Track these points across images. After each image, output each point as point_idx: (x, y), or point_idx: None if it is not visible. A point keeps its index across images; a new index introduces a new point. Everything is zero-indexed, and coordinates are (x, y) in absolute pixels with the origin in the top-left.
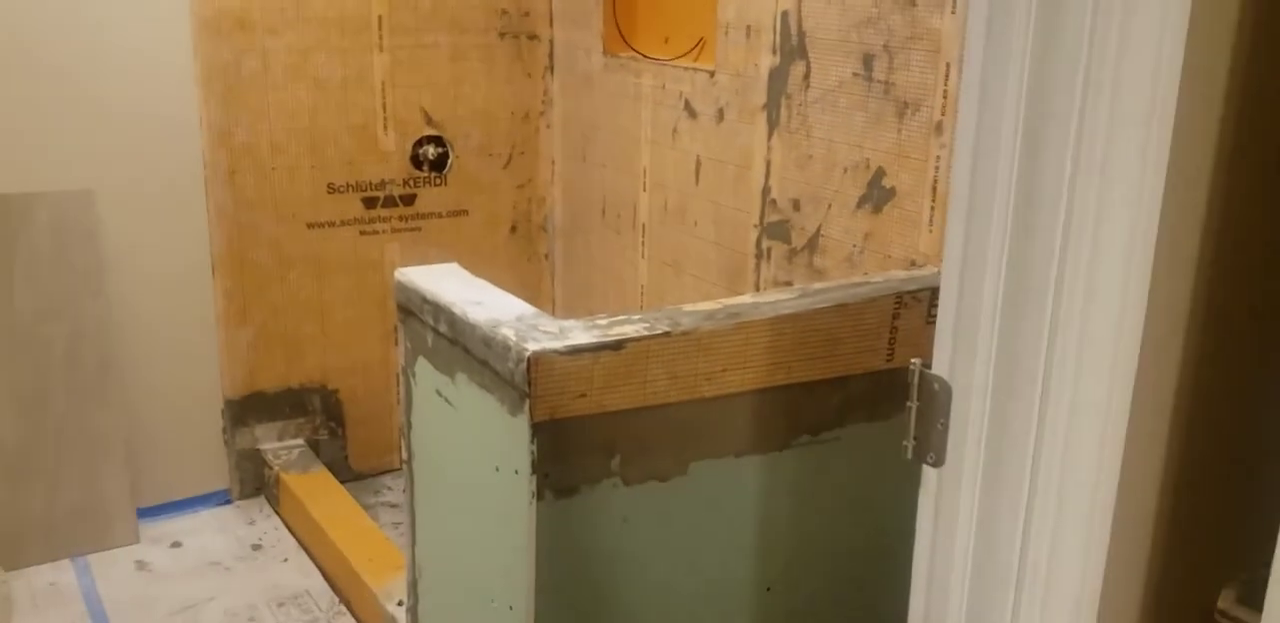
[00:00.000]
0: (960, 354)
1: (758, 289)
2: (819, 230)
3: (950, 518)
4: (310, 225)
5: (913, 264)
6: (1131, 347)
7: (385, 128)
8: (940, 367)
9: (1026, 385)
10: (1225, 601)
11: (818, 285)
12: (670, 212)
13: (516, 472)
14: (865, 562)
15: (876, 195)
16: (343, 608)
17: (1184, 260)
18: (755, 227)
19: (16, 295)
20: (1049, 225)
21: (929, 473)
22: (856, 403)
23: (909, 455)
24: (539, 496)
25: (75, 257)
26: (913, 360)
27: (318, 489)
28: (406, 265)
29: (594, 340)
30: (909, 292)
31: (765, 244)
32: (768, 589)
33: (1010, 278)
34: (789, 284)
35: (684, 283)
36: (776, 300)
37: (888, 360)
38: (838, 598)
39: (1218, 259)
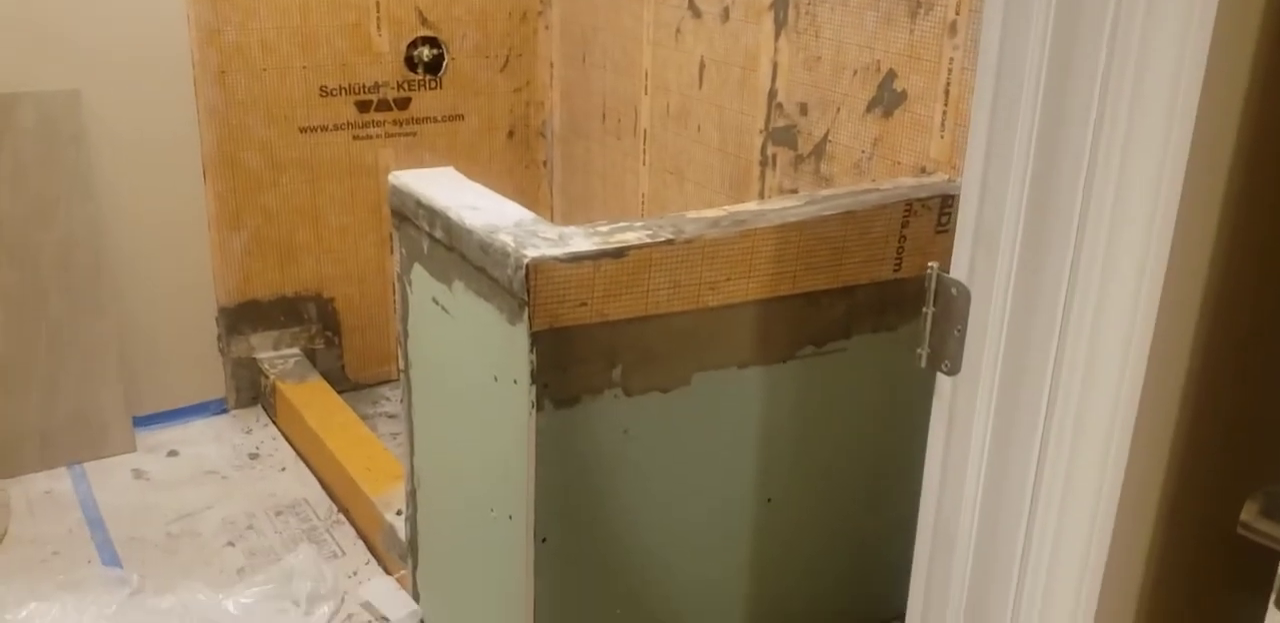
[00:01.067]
0: (981, 257)
1: (762, 197)
2: (826, 136)
3: (964, 427)
4: (303, 129)
5: (923, 171)
6: (1161, 249)
7: (379, 27)
8: (959, 271)
9: (1050, 289)
10: (1249, 513)
11: (825, 192)
12: (673, 116)
13: (516, 382)
14: (867, 474)
15: (887, 99)
16: (341, 517)
17: (1219, 161)
18: (761, 132)
19: (4, 200)
20: (1080, 119)
21: (943, 381)
22: (862, 314)
23: (922, 363)
24: (538, 406)
25: (63, 159)
26: (930, 264)
27: (315, 399)
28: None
29: (595, 248)
30: (919, 199)
31: (771, 150)
32: (768, 501)
33: (1036, 176)
34: (795, 192)
35: (686, 191)
36: (783, 208)
37: (895, 270)
38: (839, 510)
39: (1255, 156)
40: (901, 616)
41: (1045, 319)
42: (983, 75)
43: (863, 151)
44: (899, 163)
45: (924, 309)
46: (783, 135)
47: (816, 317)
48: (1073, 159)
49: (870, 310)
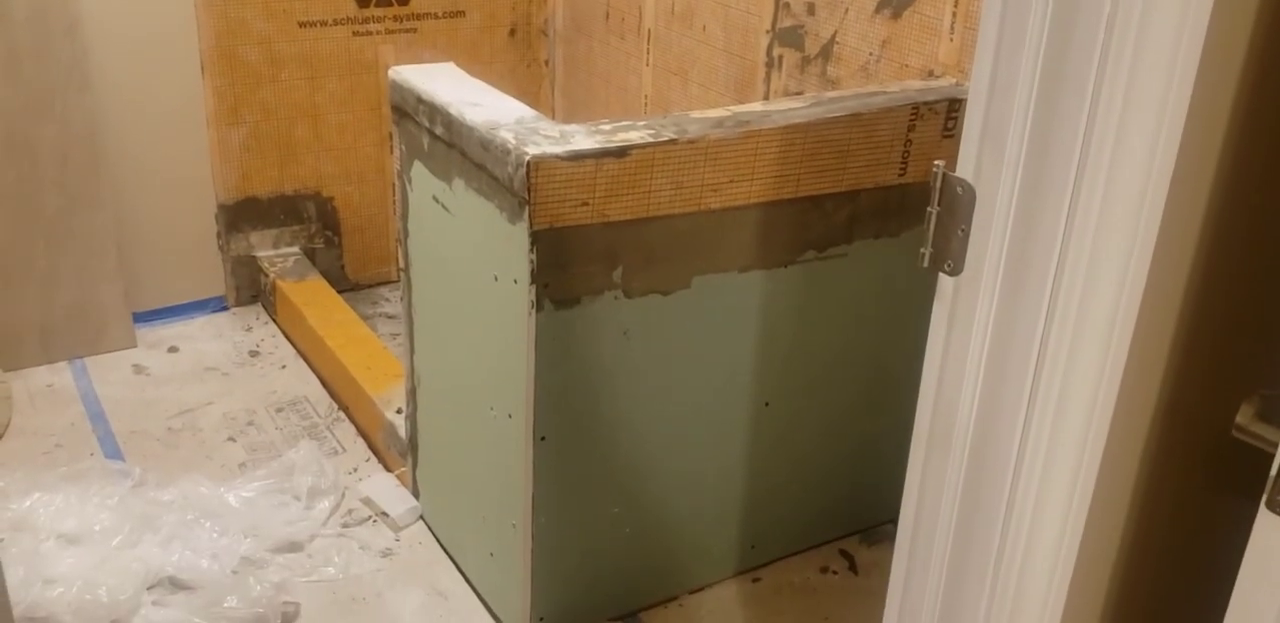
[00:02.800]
0: (988, 156)
1: (767, 100)
2: (834, 37)
3: (965, 328)
4: (302, 24)
5: (930, 74)
6: (1170, 144)
7: None
8: (965, 170)
9: (1056, 186)
10: (1244, 416)
11: (831, 94)
12: (677, 15)
13: (515, 281)
14: (865, 379)
15: None
16: (341, 415)
17: (1235, 50)
18: (767, 32)
19: (1, 93)
20: (1093, 12)
21: (945, 282)
22: (865, 219)
23: (925, 264)
24: (538, 306)
25: (58, 51)
26: (936, 163)
27: (315, 298)
28: None
29: (597, 146)
30: (926, 103)
31: (777, 51)
32: (766, 405)
33: (1046, 73)
34: (800, 94)
35: (690, 93)
36: (788, 109)
37: (900, 175)
38: (836, 415)
39: (1270, 48)
40: (896, 519)
41: (1050, 218)
42: None
43: (870, 54)
44: (907, 65)
45: (928, 208)
46: (789, 36)
47: (819, 221)
48: (1083, 54)
49: (873, 216)
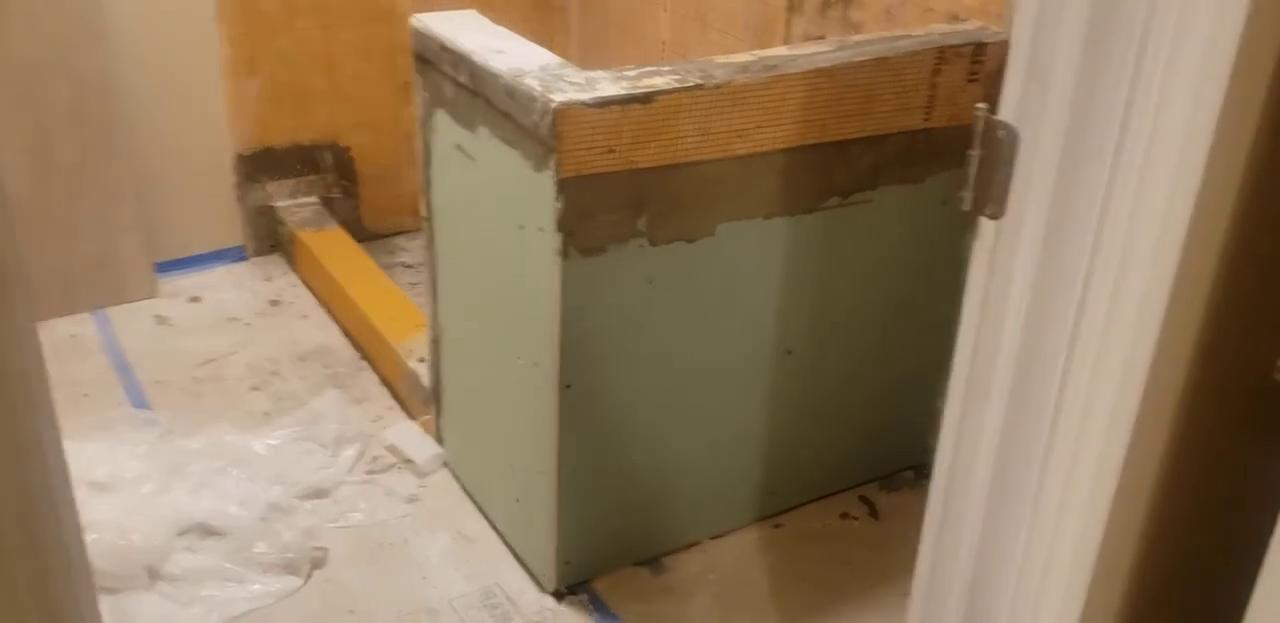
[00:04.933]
0: (1031, 98)
1: (789, 45)
2: None
3: (1006, 274)
4: None
5: (955, 18)
6: (1219, 83)
7: None
8: (1008, 112)
9: (1103, 132)
10: None
11: (856, 38)
12: None
13: (541, 230)
14: (888, 327)
15: None
16: (364, 363)
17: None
18: None
19: (16, 45)
20: None
21: (986, 226)
22: (890, 164)
23: (966, 207)
24: (564, 254)
25: (72, 4)
26: (978, 106)
27: (334, 247)
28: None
29: (623, 92)
30: (951, 47)
31: None
32: (788, 352)
33: (1095, 14)
34: (823, 39)
35: (708, 39)
36: (813, 53)
37: (925, 120)
38: (859, 363)
39: None
40: (915, 466)
41: (1096, 161)
42: None
43: None
44: (931, 9)
45: (969, 152)
46: None
47: (844, 167)
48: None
49: (898, 161)
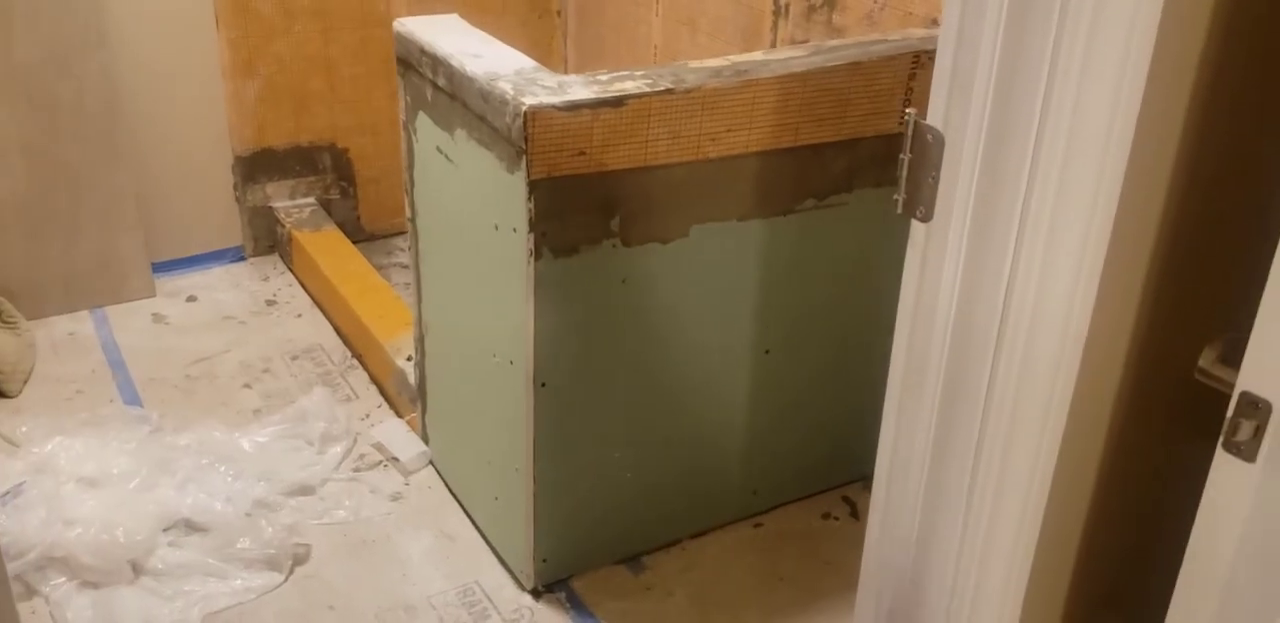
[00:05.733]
0: (955, 104)
1: (773, 49)
2: None
3: (935, 273)
4: None
5: (934, 23)
6: (1133, 96)
7: None
8: (934, 117)
9: (1020, 136)
10: (1206, 359)
11: (832, 43)
12: None
13: (515, 230)
14: (865, 328)
15: None
16: (354, 362)
17: (1192, 15)
18: None
19: (17, 47)
20: None
21: (917, 228)
22: (866, 167)
23: (899, 210)
24: (537, 254)
25: (75, 7)
26: (907, 111)
27: (330, 248)
28: None
29: (594, 96)
30: (928, 51)
31: (784, 0)
32: (766, 352)
33: (1010, 22)
34: (807, 43)
35: (699, 42)
36: (787, 58)
37: (901, 123)
38: (836, 362)
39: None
40: None
41: (1015, 164)
42: None
43: (875, 2)
44: (911, 13)
45: (900, 155)
46: None
47: (819, 170)
48: (1045, 5)
49: (874, 164)
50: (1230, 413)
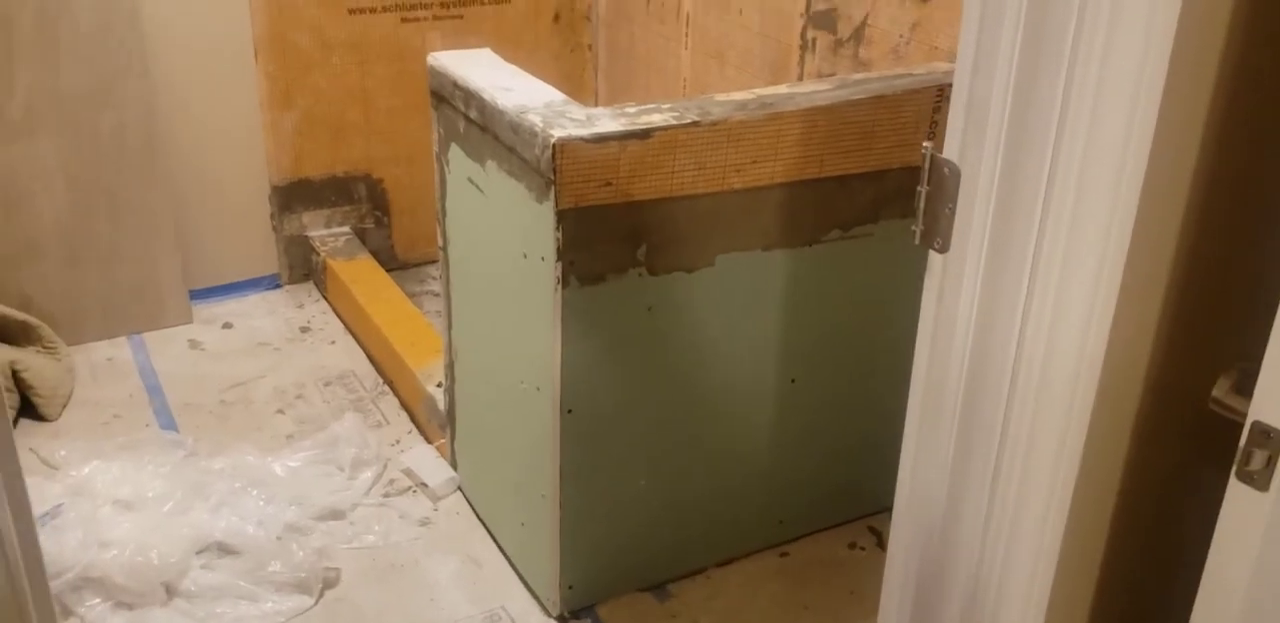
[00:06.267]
0: (971, 137)
1: (801, 81)
2: (865, 20)
3: (952, 304)
4: (352, 11)
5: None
6: (1145, 131)
7: None
8: (950, 150)
9: (1034, 169)
10: (1220, 389)
11: (857, 77)
12: (715, 0)
13: (543, 258)
14: (891, 357)
15: None
16: (386, 388)
17: (1208, 38)
18: (801, 16)
19: (64, 76)
20: (1063, 12)
21: (935, 259)
22: (891, 198)
23: (917, 241)
24: (564, 282)
25: (119, 38)
26: (925, 144)
27: (363, 276)
28: None
29: (621, 129)
30: (952, 85)
31: (810, 34)
32: (792, 381)
33: (1023, 57)
34: (833, 76)
35: (727, 75)
36: (812, 91)
37: None
38: (862, 392)
39: (1246, 33)
40: None
41: (1029, 197)
42: None
43: (901, 36)
44: (937, 47)
45: (918, 188)
46: (823, 19)
47: (844, 201)
48: (1058, 38)
49: (900, 195)
50: (1243, 442)
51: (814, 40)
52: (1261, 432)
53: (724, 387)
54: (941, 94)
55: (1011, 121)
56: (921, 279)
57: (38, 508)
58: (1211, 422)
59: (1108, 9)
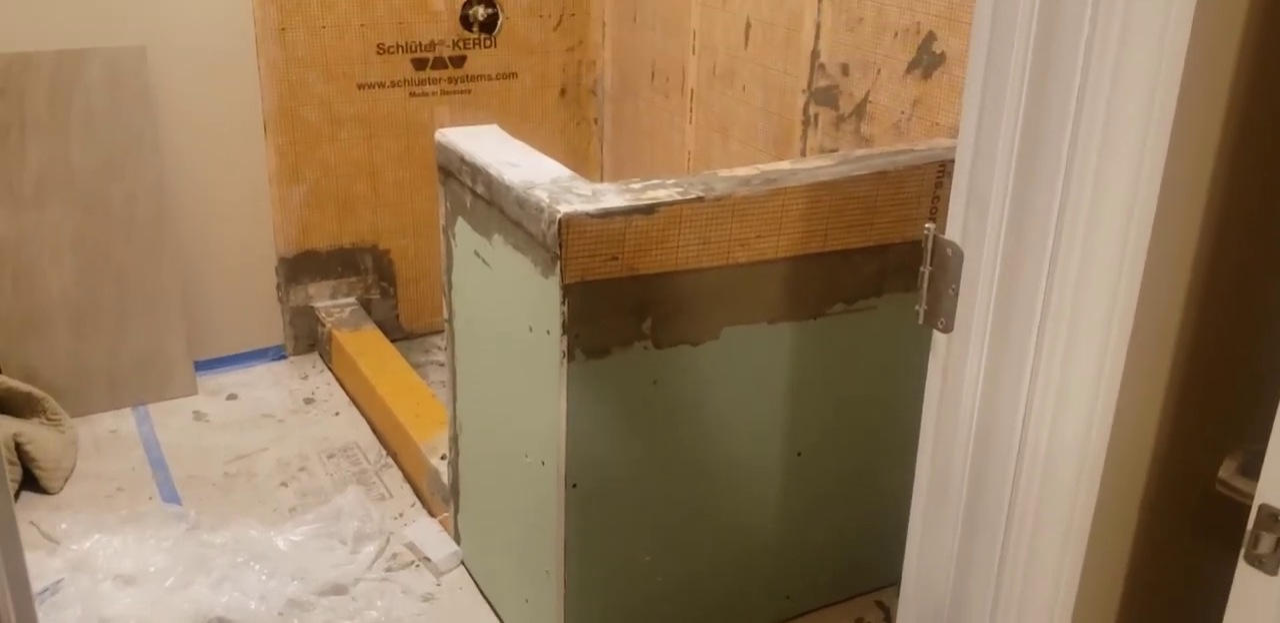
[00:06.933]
0: (973, 220)
1: (804, 156)
2: (867, 96)
3: (956, 383)
4: (360, 86)
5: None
6: (1146, 215)
7: None
8: (953, 232)
9: (1036, 251)
10: (1226, 470)
11: (859, 152)
12: (719, 76)
13: (549, 332)
14: (897, 430)
15: (926, 61)
16: (390, 461)
17: (1203, 142)
18: (803, 92)
19: (75, 150)
20: (1064, 88)
21: (939, 338)
22: (895, 272)
23: (920, 321)
24: (570, 356)
25: (130, 113)
26: (927, 226)
27: (369, 347)
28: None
29: (626, 204)
30: (953, 160)
31: (813, 110)
32: (798, 454)
33: (1024, 142)
34: (835, 151)
35: (731, 149)
36: (815, 167)
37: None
38: (868, 465)
39: (1245, 124)
40: None
41: (1031, 278)
42: (975, 45)
43: (902, 112)
44: (938, 124)
45: (921, 268)
46: (824, 95)
47: (848, 274)
48: (1058, 124)
49: (903, 269)
50: (1251, 526)
51: (816, 116)
52: (1269, 515)
53: (730, 460)
54: (943, 170)
55: (1013, 204)
56: (926, 353)
57: (37, 583)
58: (1219, 503)
59: (1106, 93)
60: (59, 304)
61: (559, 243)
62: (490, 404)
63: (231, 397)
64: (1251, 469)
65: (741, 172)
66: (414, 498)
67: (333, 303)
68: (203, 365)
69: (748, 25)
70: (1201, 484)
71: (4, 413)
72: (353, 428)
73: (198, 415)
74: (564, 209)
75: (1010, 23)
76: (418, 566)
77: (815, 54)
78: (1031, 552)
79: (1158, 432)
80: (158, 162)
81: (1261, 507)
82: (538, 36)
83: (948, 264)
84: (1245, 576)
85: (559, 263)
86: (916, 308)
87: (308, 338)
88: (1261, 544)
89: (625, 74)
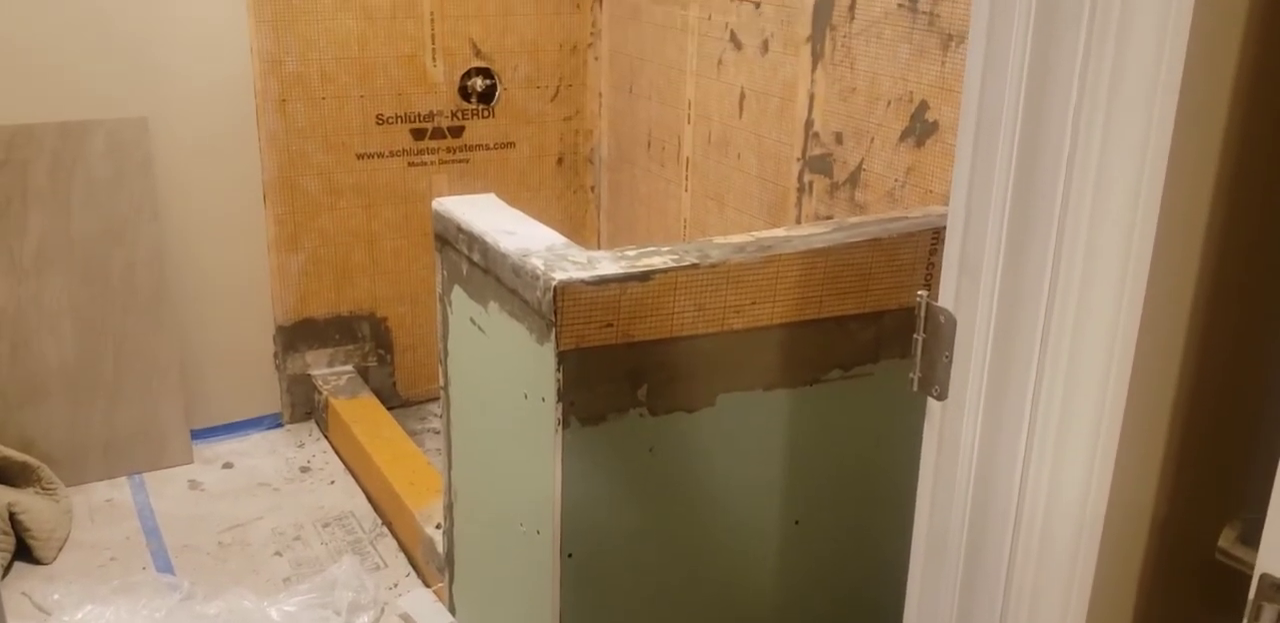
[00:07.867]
0: (965, 287)
1: (799, 224)
2: (861, 164)
3: (952, 451)
4: (359, 156)
5: None
6: (1137, 285)
7: (434, 59)
8: (946, 299)
9: (1029, 319)
10: (1226, 539)
11: (853, 220)
12: (714, 144)
13: (543, 399)
14: (896, 497)
15: (919, 129)
16: (384, 530)
17: (1192, 216)
18: (798, 160)
19: (75, 220)
20: (1053, 159)
21: (933, 406)
22: (891, 338)
23: (914, 388)
24: (565, 423)
25: (131, 183)
26: (919, 293)
27: (365, 415)
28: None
29: (621, 271)
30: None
31: (807, 178)
32: (796, 522)
33: (1015, 211)
34: (830, 218)
35: (726, 217)
36: (809, 234)
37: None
38: (868, 535)
39: (1231, 204)
40: None
41: (1025, 346)
42: (965, 115)
43: (896, 180)
44: (931, 191)
45: (914, 336)
46: (819, 163)
47: (844, 341)
48: (1049, 195)
49: (899, 335)
50: (1252, 596)
51: (811, 183)
52: (1271, 586)
53: (727, 528)
54: (937, 237)
55: (1005, 271)
56: (923, 419)
57: None
58: (1220, 571)
59: (1095, 161)
60: (56, 373)
61: (554, 310)
62: (485, 472)
63: (227, 465)
64: (1251, 538)
65: (736, 238)
66: (409, 568)
67: (330, 371)
68: (199, 434)
69: (742, 95)
70: (1202, 551)
71: None
72: (348, 496)
73: (193, 484)
74: (559, 276)
75: (999, 92)
76: None
77: (809, 123)
78: (1031, 620)
79: (1156, 498)
80: (157, 230)
81: (1263, 577)
82: (535, 107)
83: (941, 331)
84: None
85: (554, 330)
86: (911, 375)
87: (304, 406)
88: (1264, 616)
89: (622, 143)
